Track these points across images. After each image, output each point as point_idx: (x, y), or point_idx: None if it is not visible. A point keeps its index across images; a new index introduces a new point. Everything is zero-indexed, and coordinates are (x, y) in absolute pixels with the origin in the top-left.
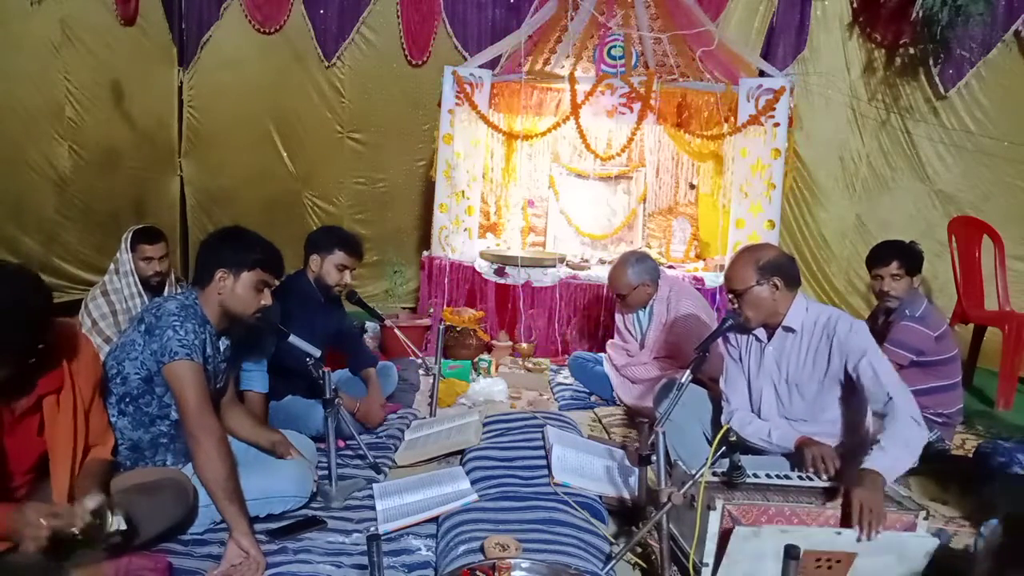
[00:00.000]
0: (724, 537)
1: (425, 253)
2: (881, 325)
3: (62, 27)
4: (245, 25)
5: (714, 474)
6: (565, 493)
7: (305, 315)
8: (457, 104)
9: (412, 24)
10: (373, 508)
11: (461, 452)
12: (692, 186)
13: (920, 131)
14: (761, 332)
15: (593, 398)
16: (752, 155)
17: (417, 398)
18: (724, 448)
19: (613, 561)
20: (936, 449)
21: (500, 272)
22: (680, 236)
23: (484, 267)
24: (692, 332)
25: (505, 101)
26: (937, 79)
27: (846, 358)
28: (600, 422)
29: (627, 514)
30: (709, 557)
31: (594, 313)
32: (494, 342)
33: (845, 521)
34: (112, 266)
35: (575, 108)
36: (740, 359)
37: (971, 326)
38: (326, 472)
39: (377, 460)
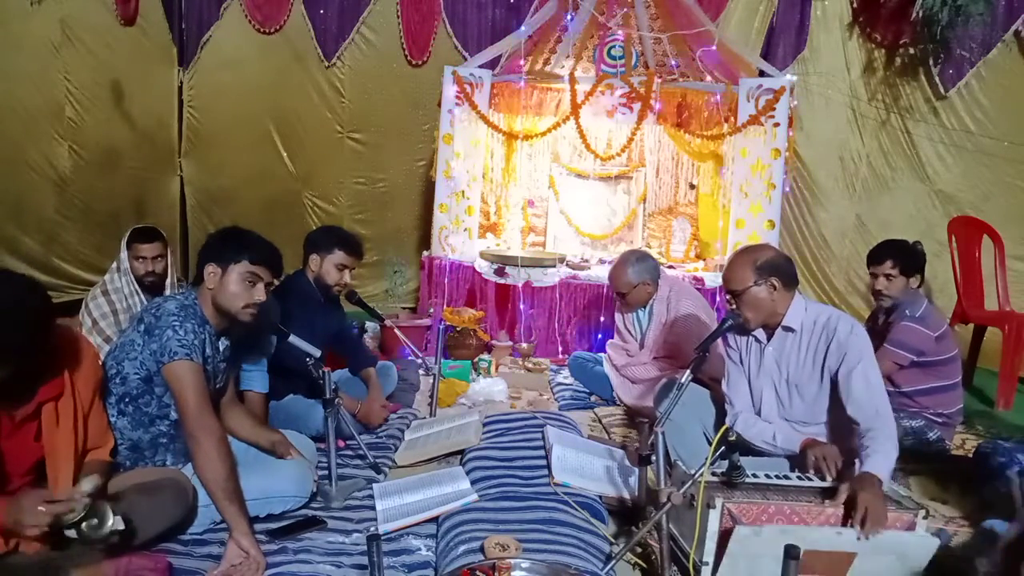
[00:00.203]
0: (724, 536)
1: (425, 253)
2: (881, 325)
3: (62, 27)
4: (245, 25)
5: (713, 474)
6: (565, 493)
7: (305, 315)
8: (457, 104)
9: (412, 24)
10: (373, 508)
11: (461, 452)
12: (692, 186)
13: (920, 131)
14: (760, 333)
15: (593, 398)
16: (752, 155)
17: (417, 398)
18: (723, 448)
19: (613, 561)
20: (936, 449)
21: (500, 272)
22: (680, 236)
23: (484, 267)
24: (692, 332)
25: (505, 101)
26: (937, 79)
27: (842, 359)
28: (600, 422)
29: (627, 514)
30: (709, 557)
31: (594, 313)
32: (494, 342)
33: (846, 521)
34: (114, 265)
35: (575, 108)
36: (741, 361)
37: (971, 326)
38: (326, 472)
39: (377, 460)
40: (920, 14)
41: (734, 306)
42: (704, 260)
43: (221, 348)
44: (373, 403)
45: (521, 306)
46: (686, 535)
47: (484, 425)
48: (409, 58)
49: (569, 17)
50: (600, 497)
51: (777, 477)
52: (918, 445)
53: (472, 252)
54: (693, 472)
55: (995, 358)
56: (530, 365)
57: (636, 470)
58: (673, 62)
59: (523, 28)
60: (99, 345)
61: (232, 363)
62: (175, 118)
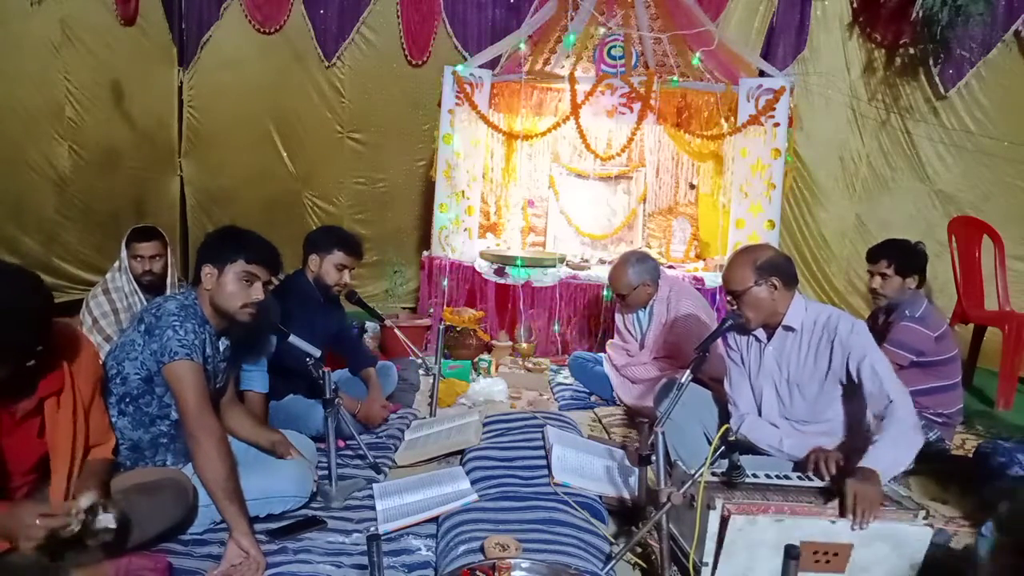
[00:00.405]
0: (723, 535)
1: (425, 253)
2: (881, 325)
3: (62, 27)
4: (245, 25)
5: (713, 474)
6: (565, 493)
7: (305, 315)
8: (457, 104)
9: (412, 24)
10: (373, 508)
11: (461, 452)
12: (692, 186)
13: (920, 131)
14: (761, 332)
15: (593, 398)
16: (752, 155)
17: (417, 398)
18: (723, 448)
19: (613, 561)
20: (936, 449)
21: (500, 272)
22: (680, 236)
23: (484, 267)
24: (692, 332)
25: (505, 101)
26: (937, 79)
27: (847, 358)
28: (600, 422)
29: (627, 514)
30: (709, 556)
31: (594, 313)
32: (494, 342)
33: (841, 512)
34: (115, 264)
35: (575, 108)
36: (742, 361)
37: (971, 326)
38: (326, 472)
39: (377, 460)
40: (920, 14)
41: (734, 306)
42: (704, 260)
43: (221, 348)
44: (373, 403)
45: (521, 306)
46: (686, 535)
47: (484, 425)
48: (409, 58)
49: (569, 17)
50: (600, 497)
51: (777, 477)
52: None
53: (472, 252)
54: (693, 472)
55: (995, 358)
56: (530, 365)
57: (636, 470)
58: (674, 63)
59: (523, 28)
60: (99, 344)
61: (232, 363)
62: (175, 118)
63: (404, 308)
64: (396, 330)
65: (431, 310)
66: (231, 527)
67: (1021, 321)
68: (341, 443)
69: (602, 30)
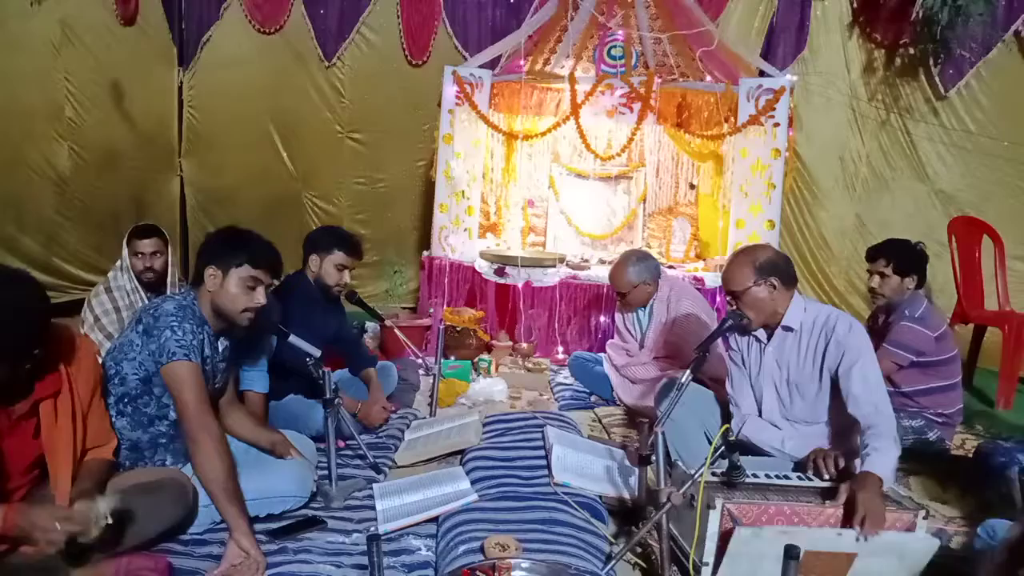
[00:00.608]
0: (724, 537)
1: (425, 253)
2: (881, 325)
3: (62, 27)
4: (245, 25)
5: (713, 474)
6: (565, 493)
7: (305, 315)
8: (457, 104)
9: (412, 24)
10: (373, 508)
11: (461, 452)
12: (692, 186)
13: (920, 131)
14: (761, 333)
15: (593, 398)
16: (752, 155)
17: (417, 398)
18: (723, 448)
19: (613, 561)
20: (936, 449)
21: (500, 272)
22: (680, 236)
23: (484, 267)
24: (692, 332)
25: (505, 101)
26: (937, 79)
27: (841, 356)
28: (600, 422)
29: (627, 514)
30: (709, 557)
31: (594, 313)
32: (494, 342)
33: (846, 521)
34: (118, 263)
35: (575, 108)
36: (743, 362)
37: (971, 326)
38: (326, 472)
39: (377, 460)
40: (920, 14)
41: (734, 306)
42: (704, 260)
43: (220, 348)
44: (373, 404)
45: (521, 306)
46: (686, 535)
47: (484, 425)
48: (409, 58)
49: (569, 17)
50: (600, 497)
51: (777, 477)
52: (918, 445)
53: (472, 252)
54: (693, 472)
55: (995, 358)
56: (530, 365)
57: (636, 470)
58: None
59: (523, 28)
60: (100, 342)
61: (231, 363)
62: (175, 118)
63: (404, 308)
64: (396, 330)
65: (431, 310)
66: (231, 527)
67: (1021, 321)
68: (341, 443)
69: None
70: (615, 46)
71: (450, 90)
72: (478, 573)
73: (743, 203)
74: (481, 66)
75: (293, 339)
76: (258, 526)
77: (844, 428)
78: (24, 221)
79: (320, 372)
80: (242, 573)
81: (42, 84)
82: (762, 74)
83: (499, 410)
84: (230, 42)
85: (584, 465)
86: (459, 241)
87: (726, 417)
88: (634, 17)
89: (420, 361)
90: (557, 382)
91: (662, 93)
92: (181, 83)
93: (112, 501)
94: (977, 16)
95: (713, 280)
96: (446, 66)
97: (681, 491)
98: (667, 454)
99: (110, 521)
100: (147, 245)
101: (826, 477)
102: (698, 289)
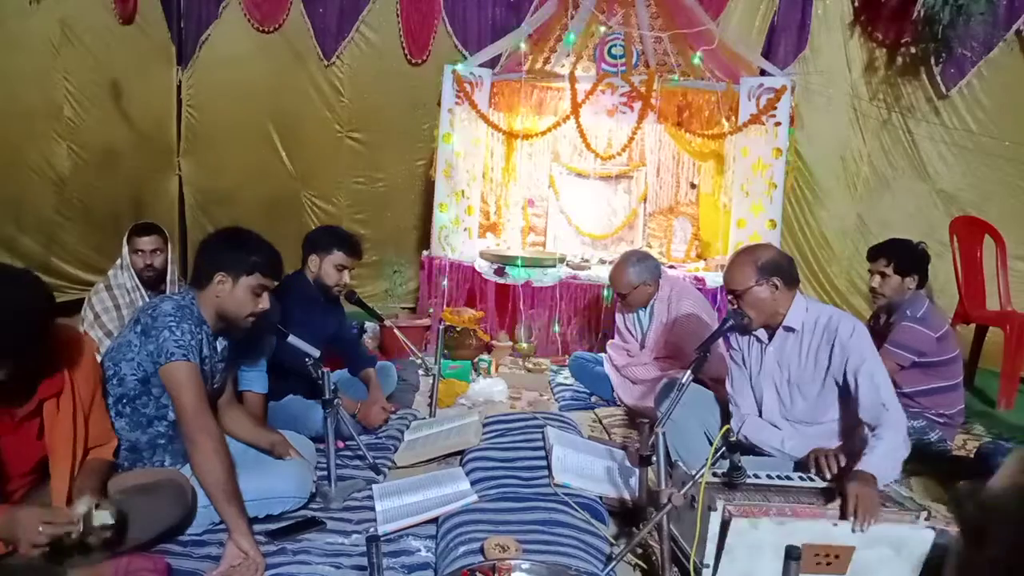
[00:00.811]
0: (724, 536)
1: (425, 253)
2: (882, 325)
3: (61, 27)
4: (244, 24)
5: (714, 475)
6: (565, 494)
7: (304, 315)
8: (457, 103)
9: (412, 23)
10: (372, 509)
11: (461, 453)
12: (693, 185)
13: (921, 130)
14: (762, 333)
15: (593, 398)
16: (753, 154)
17: (417, 398)
18: (724, 448)
19: (613, 562)
20: (938, 450)
21: (500, 272)
22: (681, 236)
23: (484, 267)
24: (693, 332)
25: (505, 100)
26: (939, 78)
27: (846, 361)
28: (600, 423)
29: (628, 515)
30: (710, 558)
31: (594, 313)
32: (494, 342)
33: (842, 515)
34: (118, 261)
35: (575, 107)
36: (743, 362)
37: (972, 326)
38: (325, 473)
39: (376, 461)
40: (921, 13)
41: (736, 306)
42: (705, 260)
43: (219, 348)
44: (373, 404)
45: (521, 306)
46: (687, 536)
47: (484, 425)
48: (409, 57)
49: (569, 16)
50: (600, 498)
51: (778, 477)
52: (919, 446)
53: (472, 252)
54: (694, 473)
55: (996, 358)
56: (530, 365)
57: (637, 471)
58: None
59: (523, 27)
60: (100, 339)
61: (230, 363)
62: (174, 118)
63: (404, 308)
64: (396, 330)
65: (431, 310)
66: (230, 528)
67: (1023, 321)
68: (340, 444)
69: (602, 29)
70: (615, 45)
71: (450, 89)
72: (478, 574)
73: (744, 202)
74: (481, 65)
75: (292, 339)
76: (257, 527)
77: (848, 429)
78: (23, 221)
79: (319, 372)
80: (241, 574)
81: (41, 84)
82: (763, 73)
83: (499, 410)
84: (229, 41)
85: (584, 466)
86: (459, 241)
87: (726, 417)
88: (634, 16)
89: (420, 361)
90: (557, 382)
91: (663, 92)
92: (180, 82)
93: (89, 502)
94: (978, 15)
95: (714, 280)
96: (446, 65)
97: (682, 492)
98: (667, 455)
99: (111, 522)
100: (147, 242)
101: (827, 476)
102: (699, 289)
